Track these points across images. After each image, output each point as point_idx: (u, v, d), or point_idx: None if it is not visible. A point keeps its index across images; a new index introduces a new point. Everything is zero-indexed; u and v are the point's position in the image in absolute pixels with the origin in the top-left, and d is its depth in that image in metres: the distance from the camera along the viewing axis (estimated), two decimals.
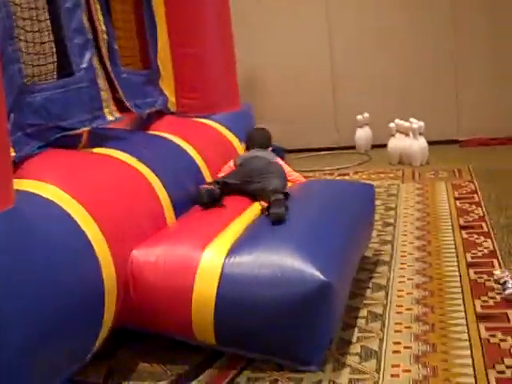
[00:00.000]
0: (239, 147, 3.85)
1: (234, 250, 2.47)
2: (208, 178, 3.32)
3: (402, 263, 3.42)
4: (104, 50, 3.04)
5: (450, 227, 3.90)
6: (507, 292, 2.84)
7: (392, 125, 5.82)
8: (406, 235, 3.85)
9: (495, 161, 5.57)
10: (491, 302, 2.86)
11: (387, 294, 3.04)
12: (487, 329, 2.62)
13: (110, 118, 2.84)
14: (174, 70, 3.93)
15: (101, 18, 3.02)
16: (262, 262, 2.39)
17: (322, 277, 2.29)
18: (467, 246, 3.57)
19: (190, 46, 3.93)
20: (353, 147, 6.54)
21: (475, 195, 4.53)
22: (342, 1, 6.58)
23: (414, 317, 2.78)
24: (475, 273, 3.19)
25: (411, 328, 2.69)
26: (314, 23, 6.64)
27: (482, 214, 4.09)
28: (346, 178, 5.48)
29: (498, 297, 2.87)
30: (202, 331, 2.38)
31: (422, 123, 5.64)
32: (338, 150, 6.65)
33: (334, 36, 6.63)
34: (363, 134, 6.40)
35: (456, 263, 3.34)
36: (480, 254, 3.45)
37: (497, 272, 3.01)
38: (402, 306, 2.91)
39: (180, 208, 2.91)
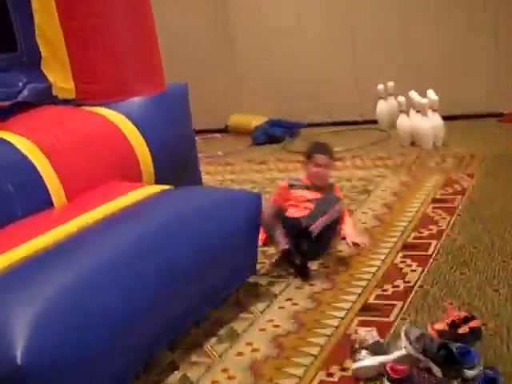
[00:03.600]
0: (137, 139, 3.24)
1: None
2: (52, 183, 2.75)
3: (287, 299, 2.73)
4: None
5: (391, 246, 3.10)
6: (355, 366, 2.10)
7: (401, 99, 4.89)
8: (329, 255, 3.11)
9: None
10: (336, 377, 2.14)
11: (226, 350, 2.39)
12: None
13: None
14: (69, 49, 3.36)
15: None
16: None
17: (17, 360, 1.72)
18: (387, 277, 2.79)
19: (87, 19, 3.33)
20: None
21: (458, 198, 3.63)
22: None
23: None
24: (359, 324, 2.44)
25: None
26: None
27: (443, 228, 3.23)
28: (339, 163, 4.70)
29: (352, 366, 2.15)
30: None
31: (435, 97, 4.67)
32: (360, 124, 5.81)
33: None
34: (385, 107, 5.47)
35: (351, 304, 2.60)
36: (391, 291, 2.67)
37: (362, 332, 2.24)
38: (226, 370, 2.26)
39: None
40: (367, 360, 2.08)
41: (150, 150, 3.30)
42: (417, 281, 2.71)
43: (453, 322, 2.23)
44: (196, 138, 6.22)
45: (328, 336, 2.38)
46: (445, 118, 4.99)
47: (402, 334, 2.07)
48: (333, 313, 2.55)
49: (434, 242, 3.07)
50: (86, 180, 2.96)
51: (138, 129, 3.33)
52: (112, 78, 3.43)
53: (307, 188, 3.27)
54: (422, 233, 3.22)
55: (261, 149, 5.56)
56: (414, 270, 2.82)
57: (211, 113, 6.28)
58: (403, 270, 2.84)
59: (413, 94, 4.82)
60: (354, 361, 2.12)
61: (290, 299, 2.71)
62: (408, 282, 2.72)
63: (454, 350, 2.01)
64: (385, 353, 2.10)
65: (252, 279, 2.91)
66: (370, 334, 2.21)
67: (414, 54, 5.53)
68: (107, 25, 3.36)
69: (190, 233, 2.51)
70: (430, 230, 3.24)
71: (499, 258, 2.81)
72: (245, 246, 2.77)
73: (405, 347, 2.05)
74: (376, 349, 2.12)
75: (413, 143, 4.87)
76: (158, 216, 2.55)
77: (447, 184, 3.90)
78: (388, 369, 2.00)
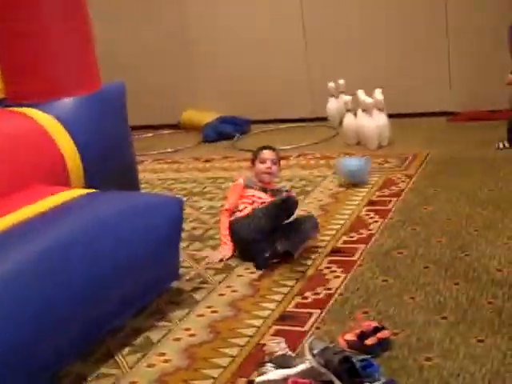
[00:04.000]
0: (65, 141, 3.17)
1: None
2: None
3: (208, 306, 2.70)
4: None
5: (320, 251, 3.08)
6: (258, 380, 2.08)
7: (347, 98, 4.88)
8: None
9: (469, 144, 4.56)
10: None
11: (137, 361, 2.36)
12: None
13: None
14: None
15: None
16: None
17: None
18: (310, 284, 2.77)
19: (18, 20, 3.27)
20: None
21: (393, 200, 3.64)
22: None
23: None
24: (274, 333, 2.43)
25: None
26: None
27: (373, 232, 3.23)
28: (282, 162, 4.66)
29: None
30: None
31: (380, 97, 4.67)
32: (311, 121, 5.78)
33: None
34: (336, 105, 5.46)
35: (270, 312, 2.59)
36: (311, 298, 2.66)
37: (271, 344, 2.23)
38: (133, 383, 2.23)
39: None
40: (271, 374, 2.06)
41: (80, 153, 3.24)
42: (338, 288, 2.71)
43: (362, 332, 2.23)
44: (149, 134, 6.25)
45: (241, 346, 2.36)
46: (394, 116, 5.05)
47: (306, 347, 2.06)
48: (251, 321, 2.53)
49: (361, 247, 3.07)
50: (8, 183, 2.91)
51: (68, 131, 3.27)
52: (44, 79, 3.39)
53: (263, 190, 3.32)
54: (352, 237, 3.21)
55: (210, 146, 5.52)
56: (338, 277, 2.81)
57: (164, 108, 6.24)
58: (327, 277, 2.82)
59: (360, 93, 4.82)
60: (260, 374, 2.11)
61: (210, 306, 2.69)
62: (329, 289, 2.71)
63: (356, 363, 2.00)
64: (290, 366, 2.09)
65: (176, 285, 2.89)
66: (278, 346, 2.20)
67: (366, 52, 5.53)
68: (40, 27, 3.31)
69: (106, 238, 2.48)
70: (361, 233, 3.23)
71: (421, 264, 2.82)
72: (165, 252, 2.73)
73: (308, 360, 2.05)
74: (281, 362, 2.10)
75: (359, 142, 4.87)
76: (71, 221, 2.52)
77: (385, 185, 3.89)
78: (290, 383, 1.99)
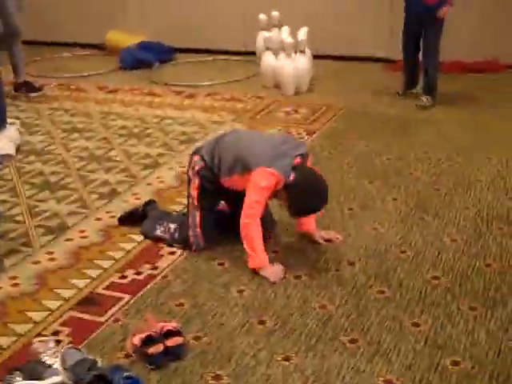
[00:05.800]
0: None
1: None
2: None
3: (12, 277, 2.31)
4: None
5: None
6: None
7: (266, 34, 4.37)
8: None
9: (395, 98, 4.10)
10: None
11: None
12: None
13: None
14: None
15: None
16: None
17: None
18: (138, 259, 2.38)
19: None
20: None
21: None
22: None
23: None
24: (66, 322, 2.05)
25: None
26: None
27: None
28: (187, 102, 4.21)
29: None
30: None
31: (303, 37, 4.16)
32: (244, 55, 5.23)
33: None
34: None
35: (76, 291, 2.20)
36: (131, 278, 2.27)
37: (36, 343, 1.85)
38: None
39: None
40: None
41: None
42: (164, 269, 2.33)
43: (149, 336, 1.87)
44: (67, 53, 5.70)
45: (19, 336, 1.99)
46: (325, 58, 4.62)
47: (59, 358, 1.70)
48: (47, 302, 2.15)
49: None
50: None
51: None
52: None
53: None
54: None
55: (125, 74, 4.99)
56: (173, 253, 2.43)
57: (90, 27, 5.68)
58: (161, 252, 2.43)
59: (284, 30, 4.31)
60: None
61: (14, 277, 2.29)
62: (155, 268, 2.33)
63: (117, 382, 1.64)
64: (40, 377, 1.72)
65: None
66: (45, 346, 1.83)
67: None
68: None
69: None
70: None
71: (269, 248, 2.40)
72: None
73: (61, 373, 1.69)
74: (32, 371, 1.74)
75: (277, 85, 4.39)
76: None
77: None
78: None
